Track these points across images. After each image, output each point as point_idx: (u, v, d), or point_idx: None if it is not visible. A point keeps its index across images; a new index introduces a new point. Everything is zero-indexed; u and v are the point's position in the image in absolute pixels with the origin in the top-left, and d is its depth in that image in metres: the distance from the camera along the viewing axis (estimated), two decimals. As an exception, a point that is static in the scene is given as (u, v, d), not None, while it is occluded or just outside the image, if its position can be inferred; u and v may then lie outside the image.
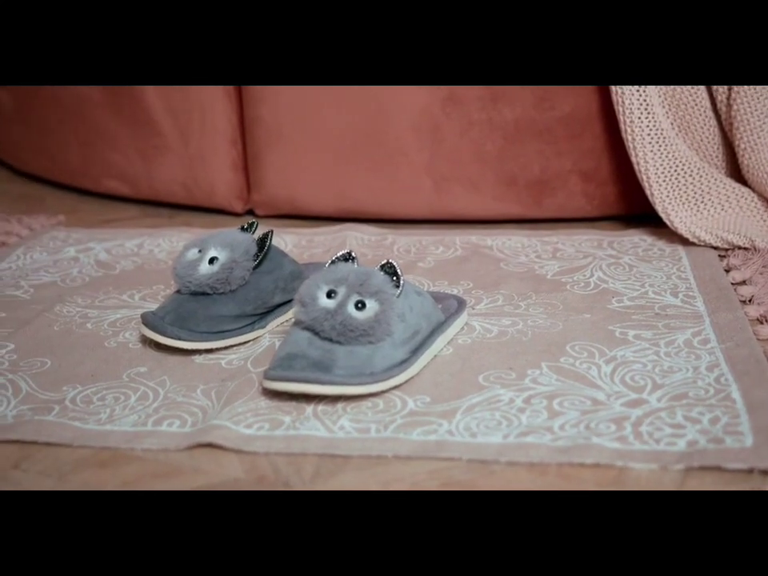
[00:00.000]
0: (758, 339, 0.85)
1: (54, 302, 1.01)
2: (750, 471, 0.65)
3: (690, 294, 0.96)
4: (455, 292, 0.99)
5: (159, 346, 0.87)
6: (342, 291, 0.78)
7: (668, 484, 0.65)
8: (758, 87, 1.07)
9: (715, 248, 1.08)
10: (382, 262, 0.82)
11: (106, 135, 1.33)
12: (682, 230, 1.09)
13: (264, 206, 1.28)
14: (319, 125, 1.21)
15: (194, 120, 1.27)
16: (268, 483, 0.67)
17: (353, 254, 0.83)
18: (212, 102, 1.25)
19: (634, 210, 1.20)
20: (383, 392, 0.77)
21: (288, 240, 1.19)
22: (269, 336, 0.91)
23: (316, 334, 0.78)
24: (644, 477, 0.66)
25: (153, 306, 0.96)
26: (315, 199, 1.25)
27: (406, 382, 0.79)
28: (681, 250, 1.09)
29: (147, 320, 0.86)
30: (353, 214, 1.25)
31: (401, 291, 0.80)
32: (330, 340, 0.77)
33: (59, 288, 1.06)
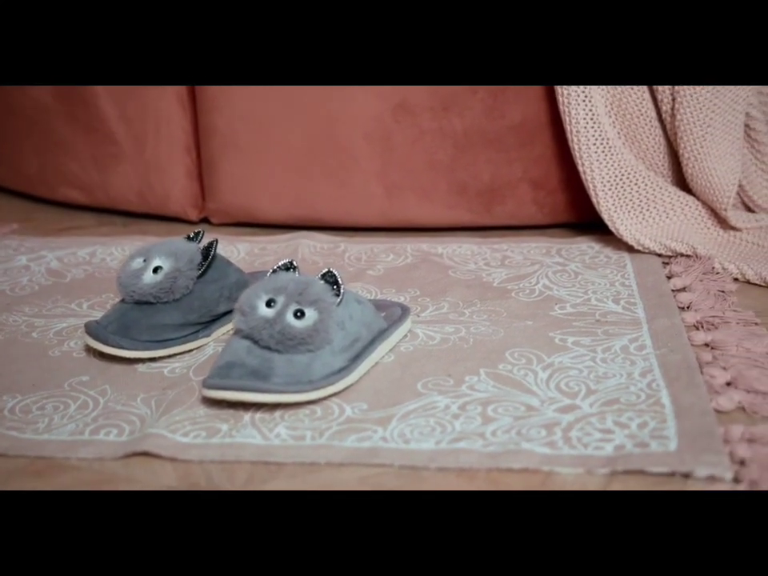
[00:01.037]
0: (693, 345, 0.87)
1: (0, 310, 1.01)
2: (672, 474, 0.67)
3: (632, 300, 0.98)
4: (402, 300, 1.00)
5: (103, 355, 0.88)
6: (281, 300, 0.79)
7: (592, 488, 0.66)
8: (701, 98, 1.09)
9: (659, 255, 1.10)
10: (323, 271, 0.83)
11: (62, 143, 1.33)
12: (627, 237, 1.11)
13: (219, 213, 1.29)
14: (273, 133, 1.22)
15: (148, 128, 1.27)
16: (200, 490, 0.67)
17: (294, 263, 0.83)
18: (166, 110, 1.26)
19: (583, 218, 1.21)
20: (321, 399, 0.78)
21: (241, 248, 1.20)
22: (213, 344, 0.91)
23: (255, 342, 0.78)
24: (569, 481, 0.67)
25: (100, 315, 0.96)
26: (270, 207, 1.26)
27: (345, 389, 0.80)
28: (626, 257, 1.11)
29: (90, 329, 0.87)
30: (307, 221, 1.25)
31: (341, 300, 0.81)
32: (269, 348, 0.78)
33: (7, 297, 1.06)
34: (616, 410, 0.75)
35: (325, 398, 0.78)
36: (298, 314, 0.78)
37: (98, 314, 0.98)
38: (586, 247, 1.15)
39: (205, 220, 1.31)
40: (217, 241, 0.92)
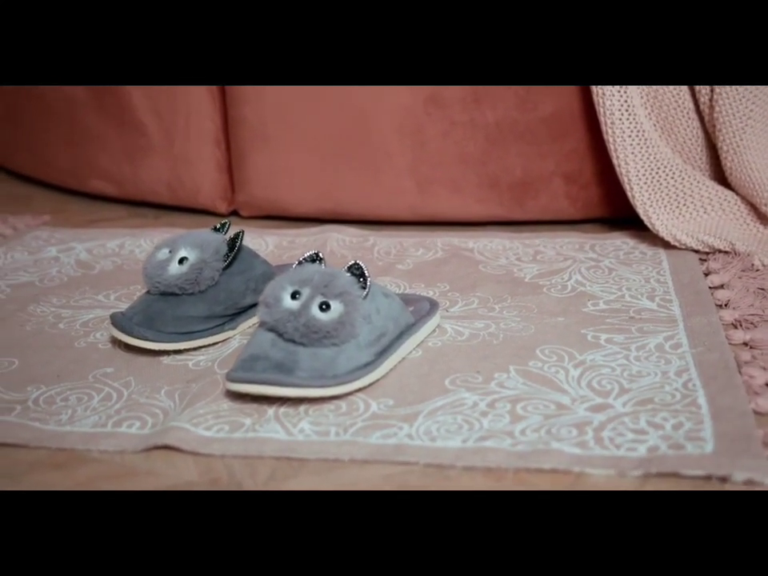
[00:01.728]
0: (731, 344, 0.84)
1: (28, 301, 1.01)
2: (708, 478, 0.64)
3: (667, 297, 0.95)
4: (431, 294, 0.99)
5: (128, 347, 0.87)
6: (306, 292, 0.78)
7: (624, 490, 0.64)
8: (740, 89, 1.06)
9: (696, 251, 1.07)
10: (350, 263, 0.81)
11: (93, 136, 1.33)
12: (663, 232, 1.08)
13: (248, 206, 1.28)
14: (303, 126, 1.21)
15: (178, 121, 1.26)
16: (221, 486, 0.66)
17: (320, 255, 0.82)
18: (196, 103, 1.25)
19: (617, 213, 1.19)
20: (346, 395, 0.77)
21: (269, 241, 1.19)
22: (239, 337, 0.90)
23: (280, 335, 0.77)
24: (601, 483, 0.65)
25: (126, 307, 0.96)
26: (299, 200, 1.25)
27: (371, 384, 0.78)
28: (662, 253, 1.08)
29: (115, 320, 0.86)
30: (336, 215, 1.24)
31: (367, 293, 0.80)
32: (294, 342, 0.77)
33: (36, 288, 1.06)
34: (650, 409, 0.73)
35: (350, 393, 0.77)
36: (324, 306, 0.77)
37: (124, 306, 0.97)
38: (620, 243, 1.12)
39: (234, 213, 1.30)
40: (243, 232, 0.91)
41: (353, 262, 0.81)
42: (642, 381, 0.78)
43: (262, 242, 1.18)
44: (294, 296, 0.78)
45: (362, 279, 0.80)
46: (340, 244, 1.16)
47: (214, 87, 1.25)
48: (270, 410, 0.75)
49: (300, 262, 0.82)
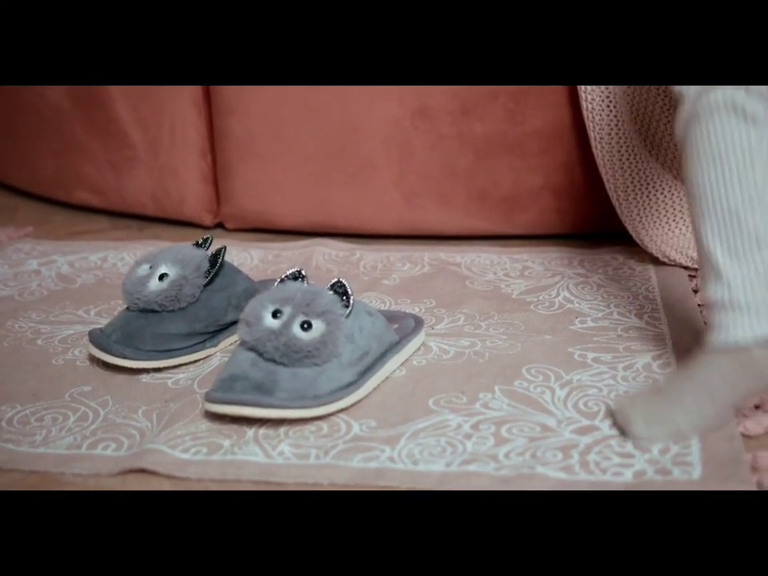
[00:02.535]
0: (720, 364, 0.82)
1: (7, 316, 0.99)
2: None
3: (656, 315, 0.94)
4: (416, 311, 0.97)
5: (107, 365, 0.85)
6: (287, 311, 0.76)
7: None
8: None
9: (686, 267, 1.06)
10: (333, 281, 0.80)
11: (79, 147, 1.31)
12: (652, 248, 1.06)
13: (234, 219, 1.26)
14: (290, 137, 1.19)
15: (163, 131, 1.25)
16: (194, 511, 0.64)
17: (303, 273, 0.81)
18: (181, 113, 1.24)
19: (607, 227, 1.17)
20: (328, 415, 0.75)
21: (254, 255, 1.17)
22: (220, 355, 0.89)
23: (260, 354, 0.76)
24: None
25: (105, 323, 0.94)
26: (285, 213, 1.23)
27: (353, 405, 0.77)
28: (651, 269, 1.06)
29: (93, 338, 0.84)
30: (323, 227, 1.23)
31: (350, 311, 0.78)
32: (274, 361, 0.75)
33: (15, 302, 1.04)
34: (637, 432, 0.71)
35: (331, 414, 0.75)
36: (305, 325, 0.75)
37: (105, 322, 0.96)
38: (609, 258, 1.11)
39: (220, 225, 1.29)
40: (225, 248, 0.89)
41: (336, 279, 0.80)
42: (628, 402, 0.76)
43: (247, 255, 1.17)
44: (275, 315, 0.76)
45: (345, 297, 0.79)
46: (326, 258, 1.15)
47: (200, 97, 1.23)
48: (250, 432, 0.73)
49: (282, 280, 0.80)
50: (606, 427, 0.73)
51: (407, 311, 0.95)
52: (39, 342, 0.93)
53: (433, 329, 0.92)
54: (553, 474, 0.67)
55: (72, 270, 1.14)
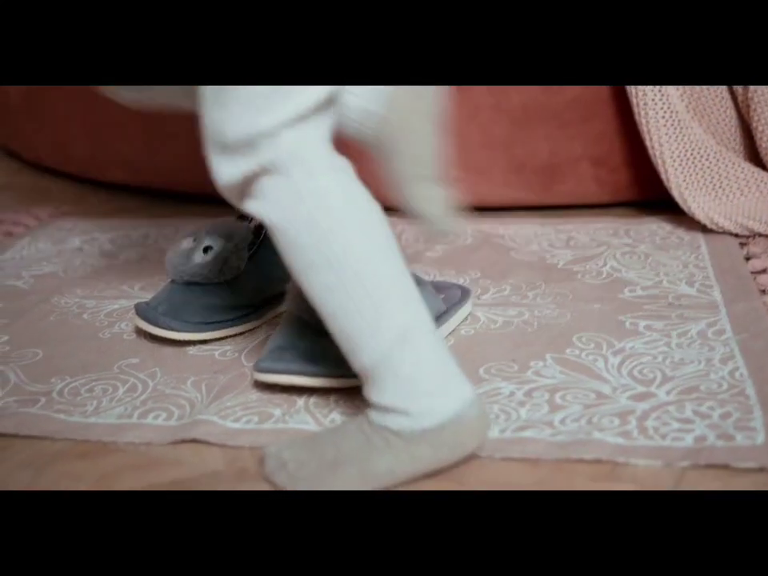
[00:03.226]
0: (777, 330, 0.80)
1: (52, 292, 0.99)
2: (761, 470, 0.61)
3: (707, 283, 0.92)
4: (462, 282, 0.96)
5: (153, 338, 0.85)
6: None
7: (665, 480, 0.61)
8: (781, 66, 1.02)
9: (736, 235, 1.03)
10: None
11: (113, 123, 1.31)
12: (700, 216, 1.04)
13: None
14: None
15: (200, 108, 1.24)
16: (248, 476, 0.64)
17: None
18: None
19: (646, 196, 1.15)
20: (378, 384, 0.74)
21: (294, 229, 1.16)
22: (266, 327, 0.88)
23: (308, 324, 0.75)
24: (640, 472, 0.62)
25: (151, 297, 0.94)
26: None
27: (403, 374, 0.76)
28: (700, 237, 1.04)
29: (140, 310, 0.84)
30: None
31: (398, 280, 0.77)
32: (322, 331, 0.74)
33: (59, 279, 1.04)
34: (695, 398, 0.70)
35: (381, 383, 0.74)
36: (354, 294, 0.74)
37: (149, 296, 0.95)
38: (656, 227, 1.09)
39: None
40: (269, 219, 0.89)
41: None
42: (685, 369, 0.75)
43: (286, 230, 1.16)
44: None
45: (392, 266, 0.77)
46: (366, 232, 1.14)
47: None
48: (300, 401, 0.73)
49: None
50: (662, 393, 0.71)
51: (453, 282, 0.93)
52: (85, 316, 0.93)
53: (479, 299, 0.91)
54: (611, 439, 0.66)
55: (114, 247, 1.14)
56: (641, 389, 0.72)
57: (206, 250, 0.85)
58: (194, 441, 0.69)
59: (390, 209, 1.17)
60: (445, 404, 0.61)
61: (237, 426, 0.70)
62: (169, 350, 0.83)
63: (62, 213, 1.28)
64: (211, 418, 0.71)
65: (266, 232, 0.88)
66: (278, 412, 0.72)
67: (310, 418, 0.71)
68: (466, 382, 0.63)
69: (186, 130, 1.26)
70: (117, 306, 0.95)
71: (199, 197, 1.30)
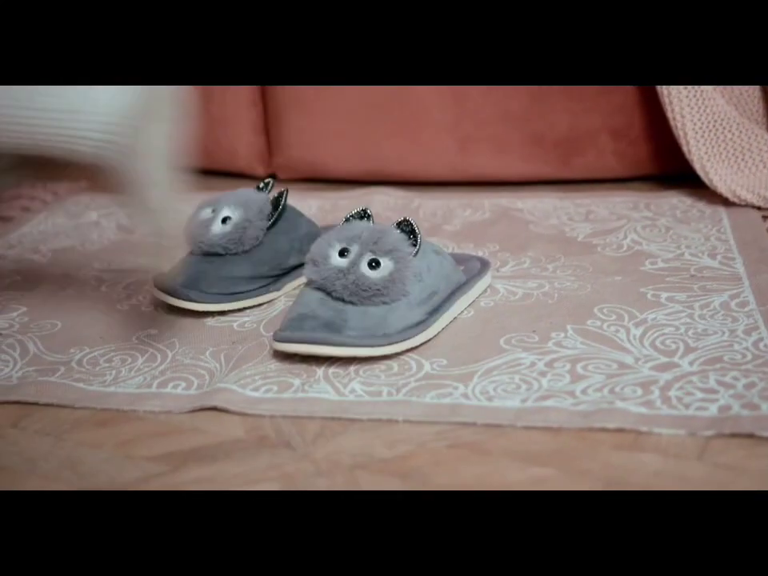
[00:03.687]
0: (801, 301, 0.79)
1: (70, 265, 0.99)
2: (787, 439, 0.60)
3: (729, 255, 0.91)
4: (481, 255, 0.95)
5: (172, 309, 0.85)
6: (354, 249, 0.75)
7: (689, 448, 0.60)
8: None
9: (759, 208, 1.02)
10: (399, 220, 0.78)
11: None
12: (722, 188, 1.03)
13: (286, 169, 1.25)
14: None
15: (215, 82, 1.23)
16: (269, 443, 0.64)
17: (368, 212, 0.79)
18: (234, 64, 1.22)
19: (666, 170, 1.14)
20: (398, 354, 0.74)
21: (312, 204, 1.16)
22: (284, 299, 0.88)
23: (328, 294, 0.74)
24: (664, 441, 0.61)
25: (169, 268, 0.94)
26: (338, 161, 1.21)
27: (423, 344, 0.75)
28: (722, 211, 1.03)
29: (158, 282, 0.84)
30: (376, 176, 1.21)
31: (417, 250, 0.76)
32: (343, 300, 0.74)
33: (77, 252, 1.04)
34: (719, 368, 0.69)
35: (401, 353, 0.74)
36: (373, 263, 0.74)
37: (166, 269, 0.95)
38: (676, 201, 1.08)
39: (272, 176, 1.27)
40: (287, 190, 0.88)
41: (402, 218, 0.78)
42: (708, 339, 0.74)
43: (304, 204, 1.14)
44: (342, 253, 0.75)
45: (412, 236, 0.77)
46: (384, 206, 1.13)
47: (252, 47, 1.21)
48: (320, 371, 0.72)
49: (347, 219, 0.79)
50: (686, 364, 0.70)
51: (472, 254, 0.93)
52: (103, 288, 0.93)
53: (498, 271, 0.90)
54: (634, 408, 0.65)
55: (131, 221, 1.13)
56: (664, 359, 0.71)
57: (224, 220, 0.85)
58: (214, 409, 0.68)
59: (410, 183, 1.17)
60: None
61: (257, 395, 0.70)
62: (187, 322, 0.83)
63: (79, 188, 1.28)
64: (231, 386, 0.71)
65: (284, 203, 0.87)
66: (297, 382, 0.71)
67: (330, 387, 0.70)
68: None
69: (202, 104, 1.25)
70: (134, 278, 0.95)
71: (216, 172, 1.30)
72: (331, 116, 1.19)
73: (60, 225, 1.13)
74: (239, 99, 1.23)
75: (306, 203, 1.15)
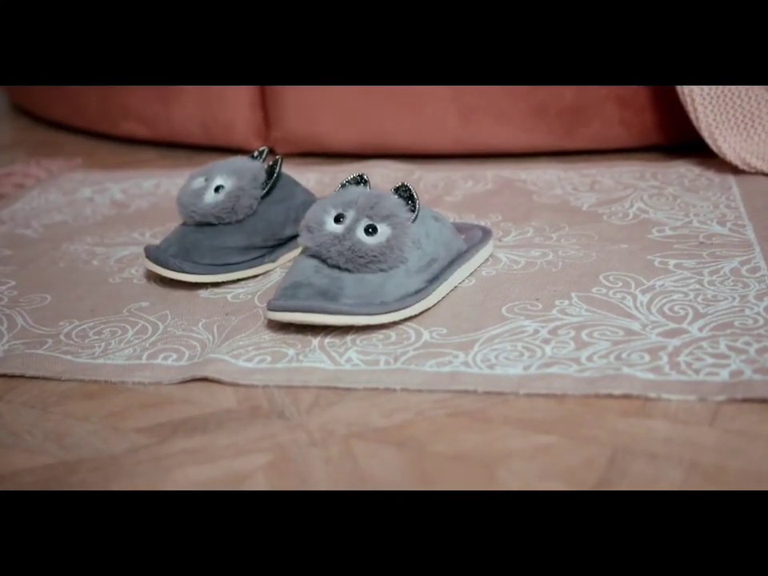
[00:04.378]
0: (815, 266, 0.76)
1: (62, 240, 0.97)
2: (801, 403, 0.58)
3: (740, 222, 0.88)
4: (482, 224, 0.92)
5: (164, 281, 0.83)
6: (350, 215, 0.72)
7: (700, 414, 0.58)
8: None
9: (769, 175, 0.99)
10: (397, 185, 0.75)
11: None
12: (731, 156, 1.00)
13: (284, 143, 1.22)
14: (341, 56, 1.14)
15: (211, 55, 1.21)
16: (261, 413, 0.61)
17: (365, 177, 0.76)
18: (230, 36, 1.19)
19: (674, 140, 1.11)
20: (396, 323, 0.71)
21: (311, 177, 1.13)
22: (280, 270, 0.85)
23: (323, 261, 0.72)
24: (673, 407, 0.59)
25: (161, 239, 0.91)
26: (337, 135, 1.19)
27: (422, 313, 0.73)
28: (731, 179, 1.00)
29: (150, 253, 0.81)
30: (377, 149, 1.18)
31: (416, 215, 0.74)
32: (339, 267, 0.71)
33: (69, 227, 1.02)
34: (730, 334, 0.66)
35: (399, 322, 0.71)
36: (370, 229, 0.71)
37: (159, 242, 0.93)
38: (684, 170, 1.05)
39: (270, 151, 1.25)
40: (282, 158, 0.86)
41: (400, 183, 0.75)
42: (718, 305, 0.71)
43: (302, 178, 1.12)
44: (337, 219, 0.72)
45: (410, 201, 0.74)
46: (384, 179, 1.10)
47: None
48: (315, 340, 0.70)
49: (344, 185, 0.76)
50: (695, 330, 0.68)
51: (474, 223, 0.90)
52: (95, 262, 0.90)
53: (501, 241, 0.88)
54: (641, 374, 0.62)
55: (125, 197, 1.11)
56: (672, 325, 0.69)
57: (217, 189, 0.82)
58: (205, 379, 0.66)
59: (411, 155, 1.14)
60: None
61: (249, 365, 0.67)
62: (180, 294, 0.81)
63: (73, 165, 1.25)
64: (223, 357, 0.68)
65: (279, 171, 0.85)
66: (291, 352, 0.69)
67: (326, 356, 0.68)
68: None
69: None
70: (127, 252, 0.92)
71: (212, 148, 1.27)
72: (330, 88, 1.16)
73: (53, 201, 1.11)
74: (235, 72, 1.20)
75: (305, 177, 1.13)
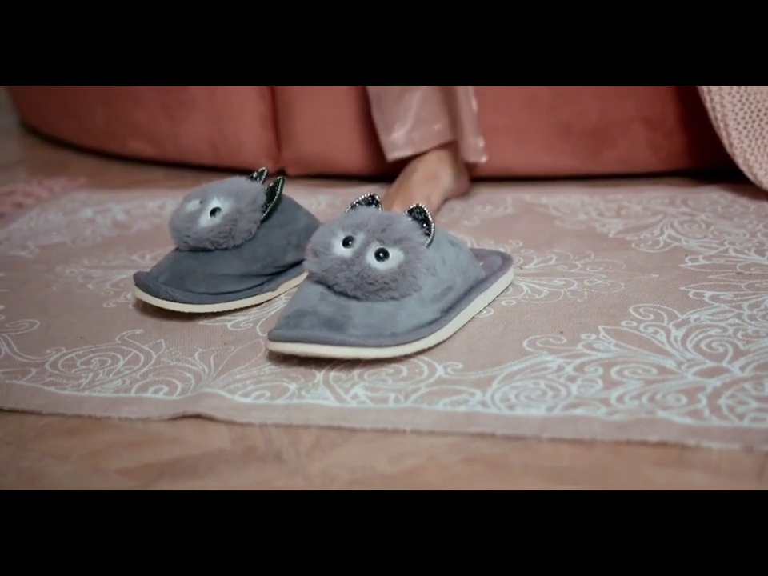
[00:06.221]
0: None
1: (57, 262, 0.92)
2: None
3: (779, 251, 0.82)
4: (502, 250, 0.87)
5: (162, 309, 0.77)
6: (360, 238, 0.67)
7: (745, 466, 0.51)
8: None
9: (808, 202, 0.93)
10: (411, 207, 0.70)
11: (130, 92, 1.24)
12: (767, 183, 0.94)
13: (295, 164, 1.18)
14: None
15: (221, 72, 1.16)
16: (257, 455, 0.56)
17: (377, 198, 0.71)
18: (240, 53, 1.15)
19: (705, 164, 1.05)
20: (407, 357, 0.66)
21: (322, 200, 1.08)
22: (285, 297, 0.80)
23: (330, 288, 0.66)
24: (714, 457, 0.53)
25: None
26: (350, 156, 1.14)
27: (436, 346, 0.67)
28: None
29: (139, 280, 0.75)
30: (391, 171, 1.13)
31: (431, 240, 0.68)
32: (346, 295, 0.66)
33: (67, 248, 0.97)
34: (776, 374, 0.60)
35: (411, 356, 0.65)
36: (381, 254, 0.66)
37: (159, 266, 0.88)
38: (716, 196, 0.99)
39: (281, 172, 1.20)
40: (283, 179, 0.80)
41: (414, 205, 0.70)
42: (761, 342, 0.65)
43: (313, 200, 1.08)
44: (346, 243, 0.67)
45: (425, 224, 0.69)
46: (397, 202, 1.05)
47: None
48: (319, 374, 0.64)
49: (353, 206, 0.71)
50: (736, 369, 0.61)
51: (493, 249, 0.84)
52: (90, 286, 0.85)
53: (522, 268, 0.82)
54: (678, 419, 0.56)
55: (128, 217, 1.06)
56: (710, 363, 0.62)
57: (213, 212, 0.77)
58: (198, 416, 0.60)
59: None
60: None
61: (246, 401, 0.62)
62: (177, 322, 0.75)
63: (77, 184, 1.21)
64: (218, 391, 0.63)
65: (280, 193, 0.79)
66: (293, 386, 0.63)
67: (330, 392, 0.62)
68: None
69: (206, 99, 1.19)
70: (124, 275, 0.87)
71: (221, 169, 1.23)
72: (343, 108, 1.12)
73: (52, 221, 1.07)
74: (246, 90, 1.16)
75: (315, 199, 1.08)
